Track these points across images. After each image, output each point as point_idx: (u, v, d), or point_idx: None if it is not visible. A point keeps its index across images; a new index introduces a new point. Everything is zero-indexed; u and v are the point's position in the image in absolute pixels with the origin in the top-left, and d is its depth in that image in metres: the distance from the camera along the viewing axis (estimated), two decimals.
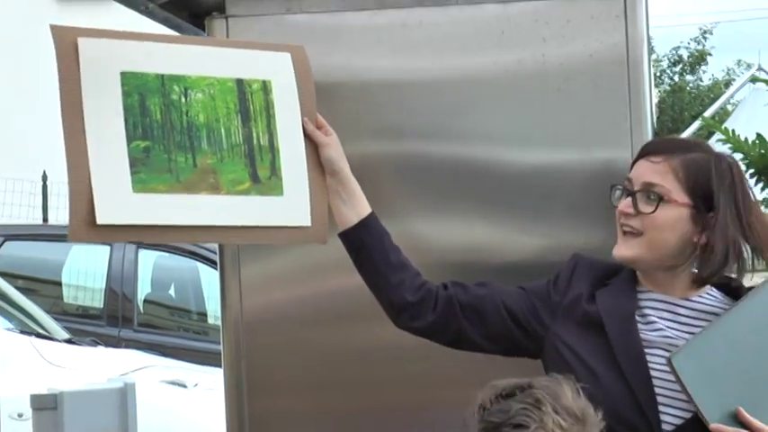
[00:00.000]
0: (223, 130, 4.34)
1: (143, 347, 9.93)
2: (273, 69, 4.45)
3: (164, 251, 11.33)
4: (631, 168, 4.37)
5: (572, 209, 4.76)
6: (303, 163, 4.42)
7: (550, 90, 4.80)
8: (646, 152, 4.40)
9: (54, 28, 4.13)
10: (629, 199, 4.29)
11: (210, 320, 10.96)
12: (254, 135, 4.39)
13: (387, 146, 4.57)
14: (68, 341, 9.69)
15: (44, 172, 14.32)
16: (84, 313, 11.24)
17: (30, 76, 14.43)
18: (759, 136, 12.83)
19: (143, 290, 11.58)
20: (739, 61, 21.80)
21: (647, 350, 4.25)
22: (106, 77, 4.15)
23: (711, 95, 23.14)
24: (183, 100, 4.29)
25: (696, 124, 22.82)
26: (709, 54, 30.05)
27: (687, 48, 40.83)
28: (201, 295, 11.25)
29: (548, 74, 4.80)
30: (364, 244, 4.40)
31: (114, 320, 10.98)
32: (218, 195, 4.29)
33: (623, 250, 4.30)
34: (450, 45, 4.83)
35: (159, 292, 11.59)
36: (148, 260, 11.42)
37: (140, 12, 5.17)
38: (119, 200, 4.11)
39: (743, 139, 12.65)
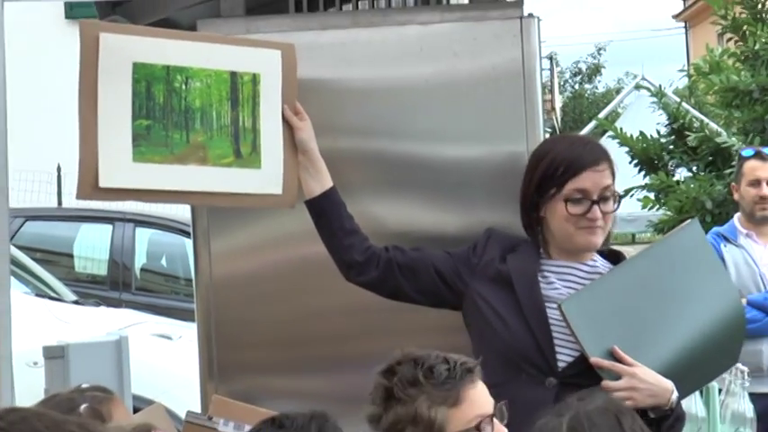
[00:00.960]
0: (214, 114, 4.35)
1: (139, 307, 9.99)
2: (264, 64, 4.42)
3: (157, 229, 11.37)
4: (572, 179, 4.35)
5: (483, 192, 4.79)
6: (280, 142, 4.41)
7: (462, 96, 4.82)
8: (589, 163, 4.41)
9: (82, 23, 4.17)
10: (596, 208, 4.32)
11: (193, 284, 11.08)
12: (241, 118, 4.39)
13: (324, 141, 4.49)
14: (75, 302, 9.76)
15: (58, 164, 14.32)
16: (92, 280, 11.26)
17: (43, 84, 14.29)
18: (641, 133, 13.03)
19: (139, 260, 11.60)
20: (627, 73, 22.11)
21: (546, 304, 4.32)
22: (120, 66, 4.16)
23: (605, 101, 23.29)
24: (184, 87, 4.30)
25: (592, 124, 22.86)
26: (603, 67, 30.17)
27: (585, 62, 41.09)
28: (188, 264, 11.29)
29: (459, 82, 4.83)
30: (324, 211, 4.43)
31: (116, 285, 10.95)
32: (205, 166, 4.31)
33: (596, 241, 4.36)
34: (380, 59, 4.86)
35: (153, 262, 11.55)
36: (144, 236, 11.43)
37: None
38: (120, 167, 4.16)
39: (629, 135, 12.84)
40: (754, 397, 6.55)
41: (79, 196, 4.21)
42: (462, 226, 4.76)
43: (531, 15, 4.85)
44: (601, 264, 4.47)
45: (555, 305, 4.30)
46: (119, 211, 11.20)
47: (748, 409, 6.52)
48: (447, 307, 4.50)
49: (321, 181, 4.44)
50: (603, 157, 4.54)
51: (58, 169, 14.35)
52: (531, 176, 4.47)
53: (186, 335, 8.23)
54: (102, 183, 4.13)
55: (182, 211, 10.50)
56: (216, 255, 4.84)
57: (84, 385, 4.29)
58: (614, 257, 4.53)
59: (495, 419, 3.59)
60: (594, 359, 4.17)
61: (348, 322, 4.77)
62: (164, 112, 4.26)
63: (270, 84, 4.41)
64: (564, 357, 4.30)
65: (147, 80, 4.22)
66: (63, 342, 6.14)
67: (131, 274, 11.33)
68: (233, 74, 4.37)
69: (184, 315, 9.61)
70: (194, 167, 4.30)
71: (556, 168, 4.41)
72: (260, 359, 4.81)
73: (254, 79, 4.40)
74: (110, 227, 11.18)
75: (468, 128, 4.85)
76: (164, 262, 11.53)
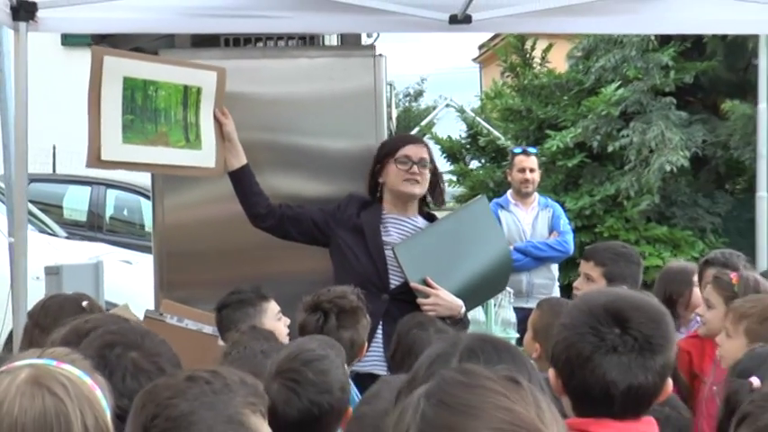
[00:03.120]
0: (172, 113, 4.30)
1: (108, 243, 9.84)
2: (205, 81, 4.35)
3: (121, 190, 11.19)
4: (401, 149, 4.39)
5: (346, 170, 4.76)
6: (213, 133, 4.37)
7: (335, 106, 4.81)
8: (411, 141, 4.53)
9: (93, 49, 4.18)
10: (416, 167, 4.35)
11: (146, 228, 10.94)
12: (188, 116, 4.33)
13: (241, 133, 4.45)
14: (66, 237, 9.63)
15: (54, 145, 14.02)
16: (75, 224, 10.92)
17: (44, 95, 13.93)
18: (449, 136, 13.14)
19: (108, 211, 11.36)
20: (440, 96, 22.24)
21: (385, 246, 4.34)
22: (115, 79, 4.14)
23: (425, 114, 23.39)
24: (154, 94, 4.25)
25: (416, 129, 23.12)
26: (424, 91, 30.24)
27: (413, 87, 41.18)
28: (142, 215, 11.14)
29: (334, 97, 4.81)
30: (240, 179, 4.38)
31: (92, 228, 10.75)
32: (167, 148, 4.29)
33: (416, 190, 4.39)
34: (281, 80, 4.81)
35: (118, 212, 11.33)
36: (112, 195, 11.18)
37: None
38: (114, 147, 4.15)
39: (441, 137, 12.92)
40: (516, 309, 6.76)
41: (88, 166, 4.22)
42: (331, 192, 4.72)
43: (380, 55, 4.85)
44: (421, 221, 4.49)
45: (390, 247, 4.32)
46: (95, 177, 10.91)
47: (512, 316, 6.72)
48: (319, 245, 4.48)
49: (239, 159, 4.38)
50: (421, 141, 4.66)
51: (54, 148, 14.04)
52: (375, 157, 4.50)
53: (141, 261, 8.18)
54: (103, 157, 4.15)
55: (139, 178, 10.31)
56: (167, 207, 4.78)
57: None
58: (430, 218, 4.55)
59: None
60: (413, 284, 4.21)
61: (257, 252, 4.69)
62: (141, 110, 4.22)
63: (208, 94, 4.35)
64: (394, 282, 4.32)
65: (131, 89, 4.19)
66: (58, 264, 6.08)
67: (103, 221, 11.15)
68: (185, 86, 4.32)
69: (139, 248, 9.53)
70: (161, 148, 4.27)
71: (390, 146, 4.47)
72: (197, 277, 4.73)
73: (198, 91, 4.34)
74: (89, 188, 10.98)
75: (338, 128, 4.83)
76: (125, 212, 11.34)
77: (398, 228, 4.44)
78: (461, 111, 15.56)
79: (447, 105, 18.81)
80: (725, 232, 12.19)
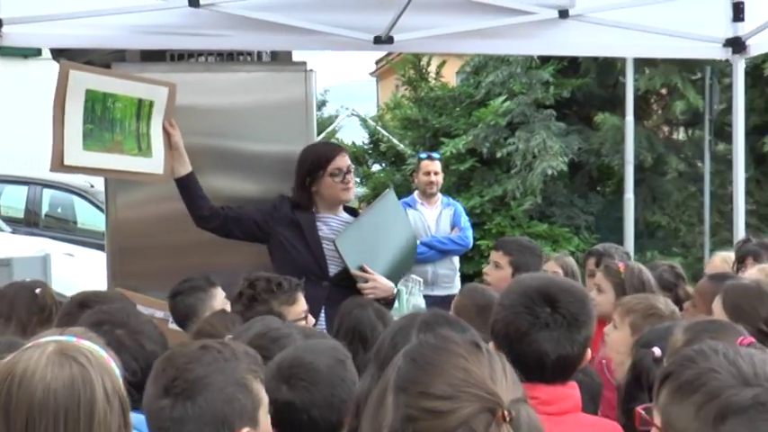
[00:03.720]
0: (127, 123, 4.26)
1: (47, 238, 9.71)
2: (157, 95, 4.32)
3: (56, 189, 10.91)
4: (331, 162, 4.39)
5: (278, 173, 4.71)
6: (161, 142, 4.34)
7: (270, 115, 4.78)
8: (338, 152, 4.50)
9: (62, 63, 4.13)
10: (348, 176, 4.41)
11: (79, 225, 10.83)
12: (141, 127, 4.30)
13: (187, 140, 4.42)
14: (12, 232, 9.43)
15: None
16: (14, 220, 10.60)
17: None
18: (353, 142, 13.06)
19: (44, 209, 11.00)
20: (342, 106, 21.98)
21: (322, 240, 4.40)
22: (78, 91, 4.09)
23: (329, 122, 23.39)
24: (112, 106, 4.22)
25: (323, 135, 23.13)
26: (328, 101, 30.03)
27: (321, 94, 41.16)
28: (75, 213, 10.90)
29: (269, 107, 4.79)
30: (185, 185, 4.36)
31: (29, 224, 10.50)
32: (123, 155, 4.26)
33: (351, 196, 4.51)
34: (222, 92, 4.76)
35: (53, 210, 11.09)
36: (48, 194, 10.81)
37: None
38: (76, 153, 4.11)
39: (346, 143, 12.76)
40: (425, 297, 6.88)
41: (52, 170, 4.20)
42: (265, 192, 4.69)
43: (311, 70, 4.85)
44: (346, 216, 4.54)
45: (326, 241, 4.37)
46: (31, 177, 10.74)
47: (422, 303, 6.83)
48: (258, 242, 4.47)
49: (185, 167, 4.36)
50: (343, 149, 4.69)
51: None
52: (302, 168, 4.49)
53: (82, 254, 8.08)
54: (66, 162, 4.12)
55: (73, 179, 10.10)
56: (119, 205, 4.74)
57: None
58: (352, 212, 4.61)
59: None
60: (353, 271, 4.30)
61: (200, 246, 4.62)
62: (100, 120, 4.20)
63: (159, 107, 4.34)
64: (333, 269, 4.37)
65: (92, 100, 4.16)
66: (9, 256, 6.03)
67: (39, 218, 10.89)
68: (140, 100, 4.30)
69: (75, 243, 9.35)
70: (116, 155, 4.26)
71: (319, 159, 4.46)
72: (146, 268, 4.66)
73: (151, 104, 4.32)
74: (26, 187, 10.73)
75: (272, 135, 4.81)
76: (59, 210, 11.09)
77: (330, 224, 4.50)
78: (364, 120, 15.66)
79: (350, 115, 18.76)
80: (597, 229, 12.58)
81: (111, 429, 1.78)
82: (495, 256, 4.48)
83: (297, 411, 2.24)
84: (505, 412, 1.43)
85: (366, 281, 4.32)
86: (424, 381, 1.48)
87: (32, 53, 10.83)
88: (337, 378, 2.33)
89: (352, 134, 16.14)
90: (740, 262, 4.38)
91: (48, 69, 5.54)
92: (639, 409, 1.84)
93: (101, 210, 8.55)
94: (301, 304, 3.58)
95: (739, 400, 1.57)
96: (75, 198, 10.39)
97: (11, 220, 10.38)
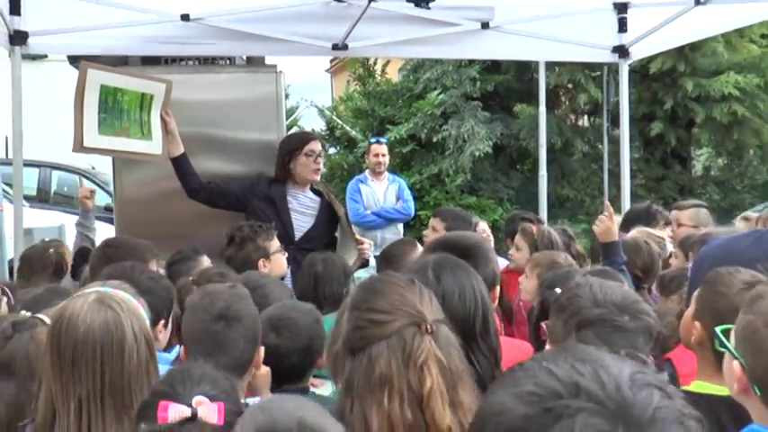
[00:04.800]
0: (132, 113, 4.26)
1: (57, 210, 9.70)
2: (157, 90, 4.32)
3: (63, 171, 10.79)
4: (306, 145, 4.44)
5: (256, 156, 4.69)
6: (159, 128, 4.35)
7: (247, 108, 4.75)
8: (312, 138, 4.60)
9: (82, 63, 4.13)
10: (319, 159, 4.49)
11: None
12: (143, 116, 4.31)
13: (180, 128, 4.42)
14: (30, 206, 9.18)
15: (6, 137, 13.37)
16: (27, 197, 10.38)
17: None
18: (312, 129, 12.82)
19: (53, 188, 10.91)
20: (302, 98, 21.51)
21: (290, 210, 4.45)
22: (95, 86, 4.11)
23: (290, 113, 23.17)
24: (121, 99, 4.22)
25: (286, 124, 22.71)
26: (289, 94, 29.67)
27: (285, 89, 40.29)
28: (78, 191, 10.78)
29: (247, 102, 4.76)
30: (180, 163, 4.39)
31: (41, 200, 10.34)
32: (129, 138, 4.27)
33: (318, 177, 4.54)
34: (207, 89, 4.73)
35: (60, 188, 10.91)
36: (56, 175, 10.82)
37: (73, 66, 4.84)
38: (93, 136, 4.12)
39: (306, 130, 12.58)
40: (375, 257, 6.95)
41: (74, 150, 4.20)
42: (245, 171, 4.68)
43: (280, 72, 4.84)
44: (311, 195, 4.59)
45: (295, 211, 4.43)
46: (42, 160, 10.62)
47: (372, 261, 6.94)
48: (238, 211, 4.45)
49: (178, 148, 4.39)
50: (317, 138, 4.76)
51: (6, 140, 13.42)
52: (283, 148, 4.55)
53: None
54: (85, 144, 4.16)
55: (77, 162, 10.03)
56: (125, 183, 4.74)
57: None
58: (317, 192, 4.62)
59: None
60: (358, 237, 4.52)
61: (192, 217, 4.59)
62: (111, 110, 4.21)
63: (158, 99, 4.37)
64: (298, 235, 4.44)
65: (105, 94, 4.18)
66: (30, 226, 6.05)
67: (49, 195, 10.78)
68: (143, 93, 4.33)
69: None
70: (124, 139, 4.28)
71: (299, 141, 4.56)
72: (148, 235, 4.18)
73: (152, 97, 4.36)
74: (37, 169, 10.58)
75: (250, 124, 4.79)
76: (66, 189, 10.97)
77: (299, 199, 4.56)
78: (321, 110, 15.71)
79: (309, 106, 18.68)
80: (517, 201, 12.75)
81: (140, 361, 1.89)
82: (434, 222, 4.49)
83: (281, 354, 2.40)
84: (428, 326, 1.59)
85: (362, 243, 4.53)
86: (370, 300, 1.65)
87: (40, 57, 10.70)
88: (314, 332, 2.48)
89: (311, 122, 16.15)
90: (626, 226, 4.54)
91: (47, 69, 5.51)
92: (543, 323, 2.09)
93: (101, 188, 8.46)
94: (277, 241, 3.72)
95: (590, 316, 1.83)
96: (80, 178, 10.30)
97: (26, 198, 10.24)
